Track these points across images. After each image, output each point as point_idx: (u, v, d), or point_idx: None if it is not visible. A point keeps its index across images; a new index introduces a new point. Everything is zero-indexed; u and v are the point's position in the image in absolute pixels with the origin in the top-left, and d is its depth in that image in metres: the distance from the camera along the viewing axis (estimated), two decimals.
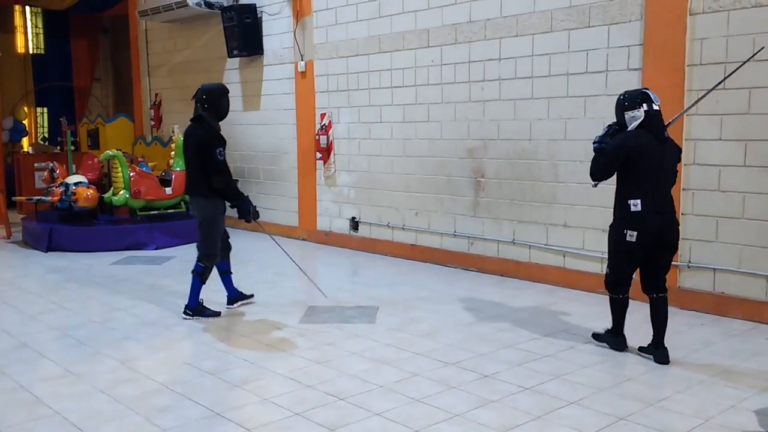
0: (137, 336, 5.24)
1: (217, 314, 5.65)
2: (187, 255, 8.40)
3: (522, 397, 3.98)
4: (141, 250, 8.68)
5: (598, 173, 4.60)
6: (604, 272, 4.75)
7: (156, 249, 8.72)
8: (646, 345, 4.63)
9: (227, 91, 5.64)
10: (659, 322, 4.54)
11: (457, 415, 3.74)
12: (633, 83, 5.89)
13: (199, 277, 5.56)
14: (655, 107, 4.40)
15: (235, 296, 5.97)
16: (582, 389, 4.07)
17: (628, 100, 4.46)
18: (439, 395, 4.01)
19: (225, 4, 9.78)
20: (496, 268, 7.09)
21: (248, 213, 5.55)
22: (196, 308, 5.61)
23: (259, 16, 9.57)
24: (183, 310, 5.65)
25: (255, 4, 9.56)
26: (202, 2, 9.75)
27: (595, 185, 4.80)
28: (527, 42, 6.65)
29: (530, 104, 6.68)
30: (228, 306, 5.94)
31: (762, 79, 5.05)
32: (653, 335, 4.56)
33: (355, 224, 8.64)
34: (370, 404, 3.88)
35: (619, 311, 4.70)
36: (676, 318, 4.64)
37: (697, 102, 4.83)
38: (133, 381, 4.30)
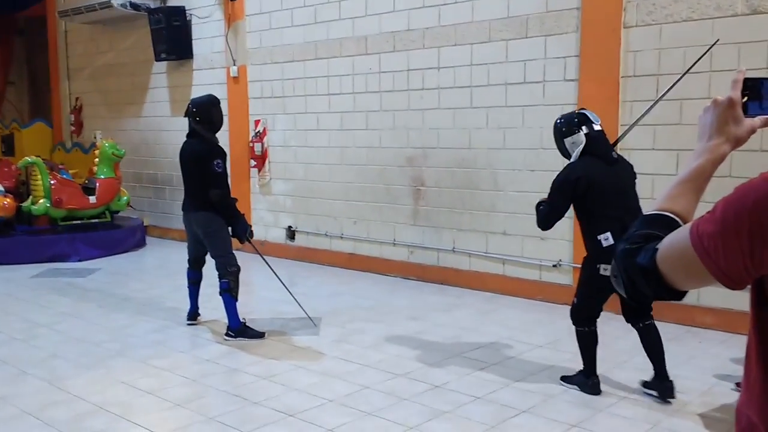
0: (65, 354, 4.93)
1: (261, 335, 5.22)
2: (112, 267, 8.04)
3: (474, 407, 3.95)
4: (63, 262, 8.23)
5: (543, 220, 4.15)
6: (572, 301, 4.24)
7: (79, 261, 8.28)
8: (649, 379, 4.10)
9: (218, 101, 5.40)
10: (654, 352, 4.05)
11: (411, 428, 3.67)
12: (569, 93, 6.02)
13: (229, 294, 5.16)
14: (596, 127, 4.05)
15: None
16: (533, 397, 4.08)
17: (565, 125, 4.09)
18: (392, 408, 3.93)
19: (152, 6, 9.45)
20: (437, 276, 7.08)
21: (244, 233, 5.31)
22: (238, 329, 5.19)
23: (188, 18, 9.27)
24: (225, 331, 5.23)
25: (184, 7, 9.26)
26: (128, 3, 9.37)
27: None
28: (466, 51, 6.69)
29: (469, 113, 6.72)
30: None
31: (693, 91, 5.23)
32: (653, 368, 4.05)
33: (291, 233, 8.47)
34: (323, 420, 3.76)
35: (588, 347, 4.15)
36: (613, 323, 4.70)
37: (649, 110, 4.28)
38: (64, 402, 4.02)
